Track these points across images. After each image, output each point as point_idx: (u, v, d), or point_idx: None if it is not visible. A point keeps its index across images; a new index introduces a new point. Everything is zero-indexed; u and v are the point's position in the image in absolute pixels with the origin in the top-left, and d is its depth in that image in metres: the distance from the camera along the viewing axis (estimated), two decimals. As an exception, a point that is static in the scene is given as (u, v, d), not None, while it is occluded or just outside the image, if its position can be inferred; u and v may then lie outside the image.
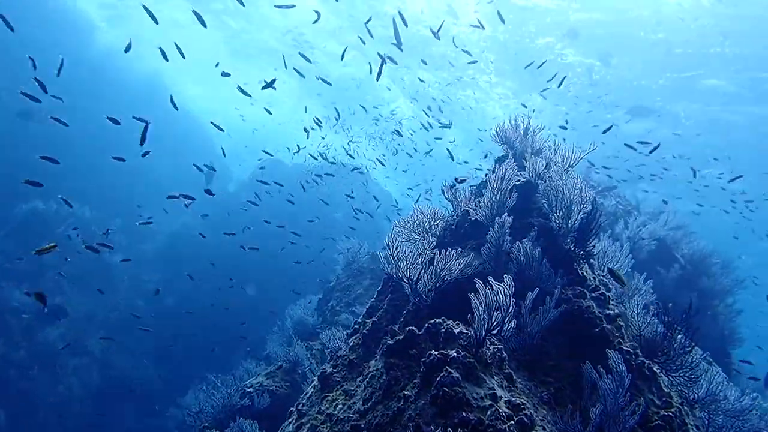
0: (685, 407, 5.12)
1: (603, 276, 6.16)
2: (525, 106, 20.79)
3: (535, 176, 6.12)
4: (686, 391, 5.33)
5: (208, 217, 21.96)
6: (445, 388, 3.52)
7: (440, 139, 18.80)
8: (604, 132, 10.01)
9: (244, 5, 13.83)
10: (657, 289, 10.89)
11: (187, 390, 12.81)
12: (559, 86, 11.54)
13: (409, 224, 6.44)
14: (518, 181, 6.04)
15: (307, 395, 5.92)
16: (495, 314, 3.92)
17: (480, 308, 4.00)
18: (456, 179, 6.66)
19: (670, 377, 5.03)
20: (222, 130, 9.24)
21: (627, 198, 14.99)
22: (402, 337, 4.40)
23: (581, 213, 5.51)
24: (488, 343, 4.02)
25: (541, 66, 13.51)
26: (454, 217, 6.45)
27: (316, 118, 14.28)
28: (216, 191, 25.88)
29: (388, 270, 5.23)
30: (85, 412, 17.45)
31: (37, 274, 18.41)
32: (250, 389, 9.07)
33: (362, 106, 22.91)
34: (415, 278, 5.16)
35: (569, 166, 6.19)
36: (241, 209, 20.65)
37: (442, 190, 6.63)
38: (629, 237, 11.62)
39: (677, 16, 17.09)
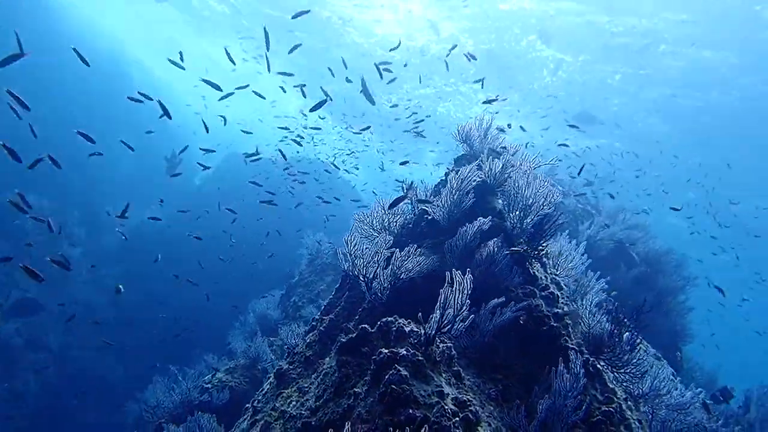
0: (629, 402, 5.29)
1: (556, 275, 6.30)
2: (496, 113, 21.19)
3: (491, 177, 6.22)
4: (632, 387, 5.52)
5: (172, 210, 21.70)
6: (393, 386, 3.58)
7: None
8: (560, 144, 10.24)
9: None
10: (615, 286, 11.22)
11: (148, 385, 12.68)
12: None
13: (369, 220, 6.46)
14: (475, 181, 6.13)
15: (263, 392, 5.93)
16: (447, 313, 3.99)
17: (436, 307, 4.06)
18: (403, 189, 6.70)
19: (615, 373, 5.19)
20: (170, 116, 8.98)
21: (587, 196, 15.31)
22: (355, 335, 4.45)
23: (538, 214, 5.64)
24: (438, 341, 4.09)
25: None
26: (413, 215, 6.52)
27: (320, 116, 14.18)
28: (182, 184, 25.57)
29: (345, 267, 5.27)
30: (42, 408, 17.08)
31: (-8, 267, 17.90)
32: (209, 385, 9.03)
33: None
34: (371, 276, 5.21)
35: (528, 169, 6.31)
36: (206, 209, 20.39)
37: (402, 188, 6.68)
38: (589, 236, 11.89)
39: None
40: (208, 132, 9.38)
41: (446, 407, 3.56)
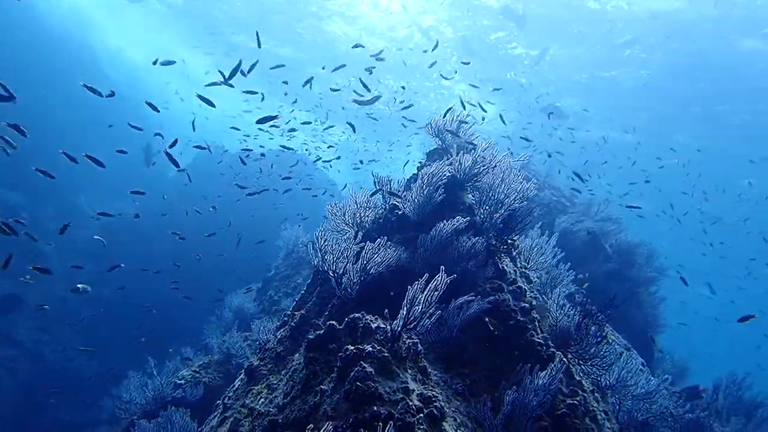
0: (596, 394, 5.38)
1: (526, 268, 6.36)
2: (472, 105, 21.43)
3: (461, 172, 6.24)
4: (600, 379, 5.60)
5: (145, 204, 21.44)
6: (358, 383, 3.58)
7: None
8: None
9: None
10: (589, 278, 11.34)
11: (122, 381, 12.54)
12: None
13: (341, 214, 6.43)
14: (446, 177, 6.14)
15: (234, 388, 5.91)
16: (414, 309, 4.00)
17: (403, 303, 4.07)
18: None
19: (583, 366, 5.27)
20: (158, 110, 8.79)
21: (561, 189, 15.45)
22: (322, 331, 4.44)
23: (508, 209, 5.68)
24: (404, 337, 4.11)
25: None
26: (384, 210, 6.52)
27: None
28: (156, 178, 25.25)
29: (315, 262, 5.25)
30: (15, 405, 16.84)
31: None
32: (182, 381, 8.97)
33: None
34: (340, 271, 5.20)
35: (497, 164, 6.34)
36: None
37: (375, 183, 6.67)
38: (563, 228, 12.01)
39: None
40: (195, 131, 9.27)
41: (411, 403, 3.58)
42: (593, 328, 5.11)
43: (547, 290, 6.59)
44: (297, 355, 4.98)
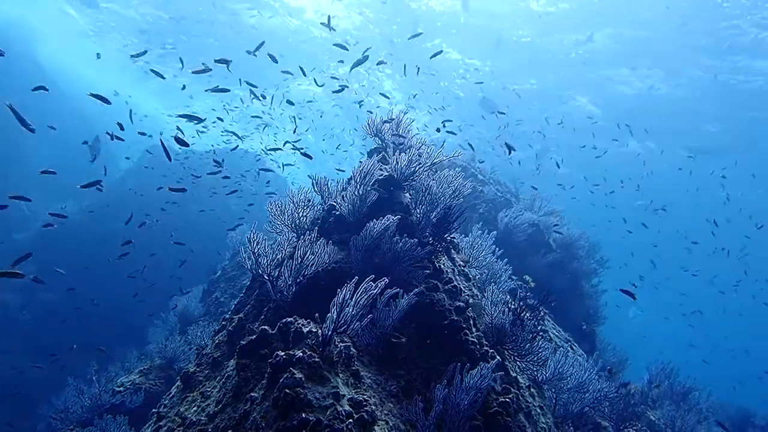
0: (533, 389, 5.47)
1: (464, 266, 6.41)
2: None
3: (397, 171, 6.23)
4: (537, 374, 5.70)
5: (91, 205, 20.84)
6: (287, 390, 3.52)
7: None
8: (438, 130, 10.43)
9: None
10: (533, 272, 11.54)
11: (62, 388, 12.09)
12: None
13: (280, 213, 6.32)
14: (381, 175, 6.11)
15: (170, 395, 5.75)
16: (345, 312, 3.96)
17: (331, 306, 4.03)
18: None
19: (519, 362, 5.34)
20: (108, 102, 8.36)
21: (507, 185, 15.67)
22: (254, 337, 4.37)
23: (443, 207, 5.69)
24: (336, 341, 4.07)
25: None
26: (322, 211, 6.45)
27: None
28: (101, 178, 24.49)
29: (248, 266, 5.15)
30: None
31: None
32: (121, 388, 8.71)
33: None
34: (275, 275, 5.12)
35: (432, 163, 6.35)
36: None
37: (313, 184, 6.60)
38: (506, 223, 12.16)
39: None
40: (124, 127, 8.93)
41: (340, 409, 3.55)
42: (529, 323, 5.18)
43: (487, 287, 6.66)
44: (232, 361, 4.89)
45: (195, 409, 4.72)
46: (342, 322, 3.95)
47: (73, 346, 16.06)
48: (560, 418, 5.73)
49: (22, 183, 23.46)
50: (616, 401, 6.49)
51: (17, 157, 22.52)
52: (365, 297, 3.98)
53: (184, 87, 14.91)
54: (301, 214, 6.30)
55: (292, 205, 6.31)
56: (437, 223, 5.67)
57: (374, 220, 5.35)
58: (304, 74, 10.09)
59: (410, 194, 6.20)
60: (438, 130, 10.30)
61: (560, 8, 18.54)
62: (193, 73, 7.63)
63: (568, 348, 8.74)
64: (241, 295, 6.57)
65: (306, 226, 6.29)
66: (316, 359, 3.81)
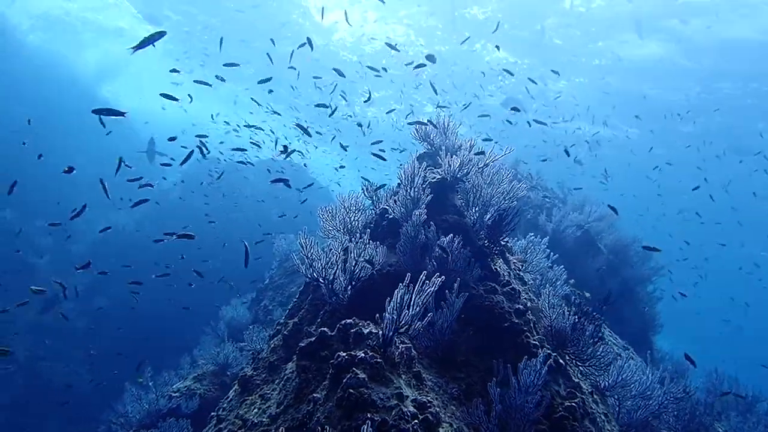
0: (596, 396, 5.31)
1: (519, 270, 6.30)
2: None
3: (449, 174, 6.19)
4: (599, 380, 5.54)
5: (143, 215, 21.45)
6: (351, 390, 3.51)
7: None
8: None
9: None
10: (583, 278, 11.28)
11: (117, 395, 12.39)
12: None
13: (331, 217, 6.35)
14: (434, 178, 6.08)
15: (228, 399, 5.82)
16: (404, 312, 3.93)
17: (390, 307, 4.00)
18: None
19: (581, 367, 5.20)
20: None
21: (554, 190, 15.41)
22: (314, 339, 4.38)
23: (498, 209, 5.61)
24: (397, 342, 4.04)
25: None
26: (374, 215, 6.45)
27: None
28: (151, 189, 25.18)
29: (303, 271, 5.18)
30: (9, 422, 16.65)
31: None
32: (177, 393, 8.86)
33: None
34: (330, 278, 5.13)
35: (485, 165, 6.28)
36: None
37: (363, 190, 6.61)
38: (554, 229, 11.96)
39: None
40: (205, 156, 9.27)
41: (405, 410, 3.51)
42: (590, 327, 5.04)
43: (541, 292, 6.53)
44: (290, 364, 4.90)
45: (255, 411, 4.75)
46: (402, 322, 3.92)
47: (91, 351, 16.45)
48: (624, 426, 5.55)
49: (76, 194, 24.23)
50: (682, 412, 6.25)
51: (70, 177, 23.31)
52: (424, 296, 3.92)
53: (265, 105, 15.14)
54: (352, 218, 6.31)
55: (343, 209, 6.32)
56: (492, 225, 5.60)
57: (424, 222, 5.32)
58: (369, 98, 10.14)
59: (461, 197, 6.13)
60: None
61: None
62: (259, 82, 7.93)
63: (629, 355, 8.49)
64: (294, 300, 6.61)
65: (357, 230, 6.29)
66: (378, 360, 3.79)
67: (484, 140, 10.58)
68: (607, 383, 5.54)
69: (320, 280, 5.15)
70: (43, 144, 20.05)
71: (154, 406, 8.61)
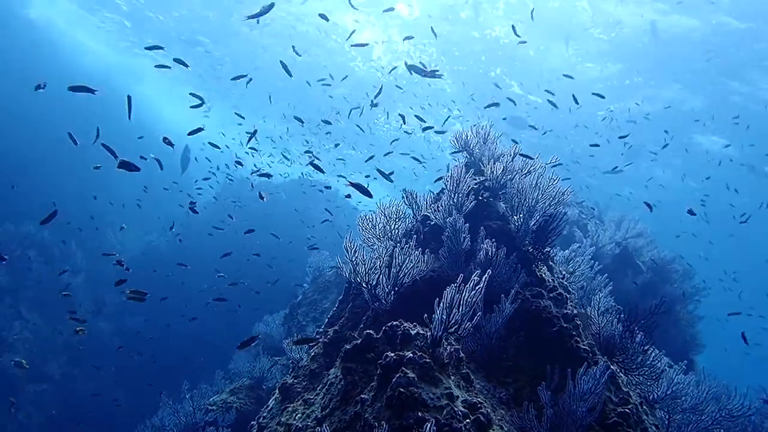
0: (645, 407, 5.14)
1: (563, 279, 6.19)
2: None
3: (493, 180, 6.14)
4: (647, 391, 5.36)
5: (176, 235, 21.76)
6: (401, 389, 3.45)
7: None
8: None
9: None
10: (621, 294, 11.03)
11: (153, 411, 12.44)
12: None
13: (371, 226, 6.33)
14: (476, 184, 6.04)
15: (269, 408, 5.79)
16: (453, 313, 3.87)
17: (440, 308, 3.94)
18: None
19: (629, 376, 5.05)
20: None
21: (591, 207, 15.20)
22: (359, 341, 4.33)
23: (544, 214, 5.54)
24: (445, 343, 3.97)
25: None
26: (415, 222, 6.42)
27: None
28: (184, 209, 25.62)
29: (346, 274, 5.15)
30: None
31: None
32: (213, 407, 8.85)
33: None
34: (374, 283, 5.10)
35: (528, 171, 6.23)
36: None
37: (403, 197, 6.59)
38: (592, 244, 11.76)
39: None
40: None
41: (456, 409, 3.44)
42: (639, 335, 4.90)
43: (584, 302, 6.40)
44: (333, 369, 4.86)
45: (299, 416, 4.70)
46: (453, 322, 3.85)
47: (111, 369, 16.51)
48: (675, 440, 5.35)
49: (111, 215, 24.76)
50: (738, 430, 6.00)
51: (109, 196, 23.76)
52: (474, 295, 3.86)
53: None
54: (393, 227, 6.29)
55: (383, 218, 6.30)
56: (537, 231, 5.52)
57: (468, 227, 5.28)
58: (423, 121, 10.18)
59: (504, 203, 6.07)
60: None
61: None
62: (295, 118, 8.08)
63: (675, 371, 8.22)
64: (334, 309, 6.61)
65: (398, 239, 6.27)
66: (427, 360, 3.73)
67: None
68: (656, 395, 5.36)
69: (363, 284, 5.12)
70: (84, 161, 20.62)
71: (191, 419, 8.61)
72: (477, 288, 3.87)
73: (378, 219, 6.32)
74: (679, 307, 12.22)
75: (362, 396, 3.84)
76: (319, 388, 5.07)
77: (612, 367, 4.65)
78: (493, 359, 4.55)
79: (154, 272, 20.53)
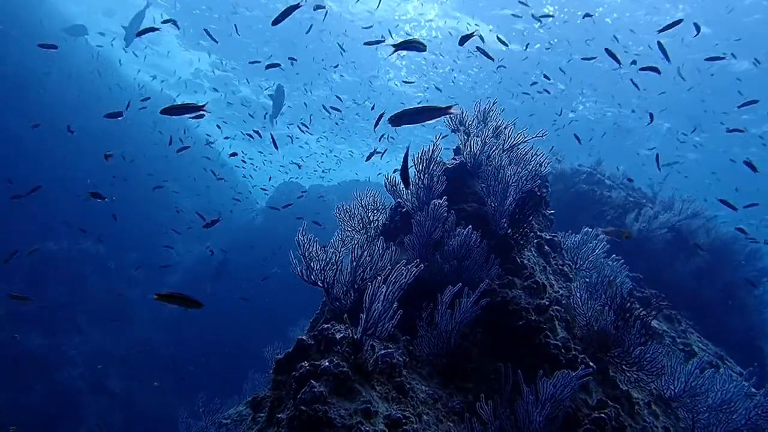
0: (655, 406, 4.34)
1: (562, 266, 5.42)
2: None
3: (470, 157, 5.42)
4: (663, 388, 4.53)
5: (231, 247, 22.09)
6: (302, 407, 2.89)
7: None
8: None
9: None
10: (674, 282, 9.98)
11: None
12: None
13: (348, 217, 5.77)
14: (451, 164, 5.36)
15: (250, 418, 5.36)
16: (372, 310, 3.27)
17: (364, 305, 3.36)
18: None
19: (629, 373, 4.26)
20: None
21: (642, 189, 13.98)
22: (291, 349, 3.81)
23: (521, 192, 4.81)
24: (378, 347, 3.38)
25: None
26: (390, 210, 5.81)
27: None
28: (240, 220, 25.99)
29: (299, 273, 4.59)
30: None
31: (50, 317, 18.19)
32: (227, 420, 8.52)
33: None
34: (330, 281, 4.55)
35: (511, 146, 5.46)
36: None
37: (385, 185, 5.98)
38: (639, 229, 10.73)
39: None
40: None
41: (368, 428, 2.84)
42: (636, 325, 4.10)
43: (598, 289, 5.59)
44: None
45: (243, 435, 4.23)
46: (371, 321, 3.26)
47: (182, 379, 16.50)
48: (699, 445, 4.48)
49: (168, 227, 25.30)
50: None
51: (166, 204, 24.26)
52: (394, 288, 3.25)
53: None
54: (371, 217, 5.71)
55: (361, 208, 5.73)
56: (514, 211, 4.78)
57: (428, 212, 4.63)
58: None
59: (481, 182, 5.34)
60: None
61: None
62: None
63: (716, 363, 7.21)
64: (317, 310, 6.09)
65: (377, 229, 5.69)
66: (345, 369, 3.14)
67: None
68: (673, 392, 4.52)
69: (318, 283, 4.58)
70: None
71: (203, 434, 8.32)
72: (399, 282, 3.25)
73: (356, 210, 5.76)
74: (743, 293, 10.90)
75: (279, 415, 3.31)
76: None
77: (592, 364, 3.88)
78: (452, 361, 3.89)
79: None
